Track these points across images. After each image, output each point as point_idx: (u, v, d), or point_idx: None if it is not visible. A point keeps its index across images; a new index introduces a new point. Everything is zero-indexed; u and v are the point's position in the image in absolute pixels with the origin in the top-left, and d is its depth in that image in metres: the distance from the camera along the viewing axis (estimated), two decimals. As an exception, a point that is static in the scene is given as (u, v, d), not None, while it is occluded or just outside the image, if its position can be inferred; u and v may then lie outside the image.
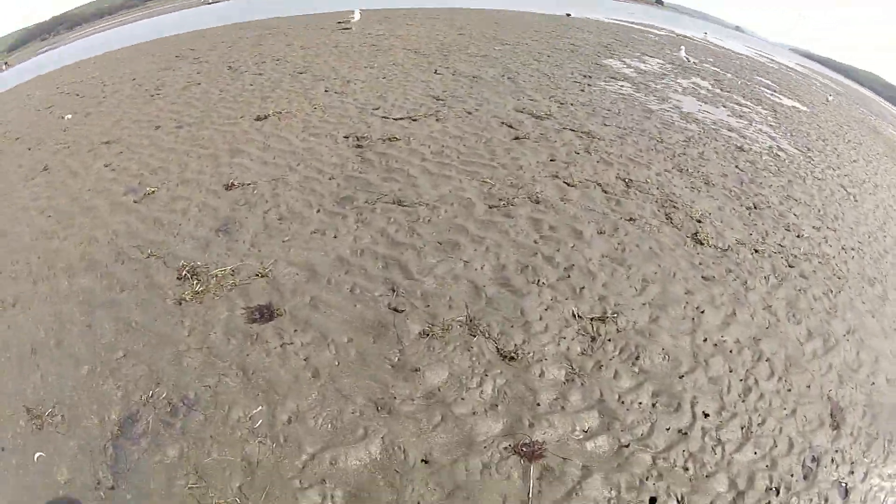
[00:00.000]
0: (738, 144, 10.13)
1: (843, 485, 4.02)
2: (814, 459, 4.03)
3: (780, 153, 10.91)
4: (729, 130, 10.92)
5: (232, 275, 4.47)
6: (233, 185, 5.76)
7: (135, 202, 5.98)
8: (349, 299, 4.25)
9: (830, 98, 23.07)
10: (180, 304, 4.31)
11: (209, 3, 41.71)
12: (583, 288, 4.64)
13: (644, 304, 4.65)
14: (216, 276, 4.45)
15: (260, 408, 3.44)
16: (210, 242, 4.93)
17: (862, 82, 66.04)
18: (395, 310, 4.14)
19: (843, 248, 7.37)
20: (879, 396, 4.85)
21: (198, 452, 3.27)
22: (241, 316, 4.09)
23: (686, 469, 3.52)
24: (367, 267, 4.60)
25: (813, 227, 7.69)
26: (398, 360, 3.75)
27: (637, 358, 4.12)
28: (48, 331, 4.37)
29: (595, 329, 4.24)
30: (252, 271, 4.50)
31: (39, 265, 5.28)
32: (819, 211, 8.30)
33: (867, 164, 13.54)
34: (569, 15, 25.96)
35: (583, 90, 11.41)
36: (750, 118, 12.96)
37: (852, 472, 4.04)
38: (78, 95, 11.64)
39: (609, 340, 4.17)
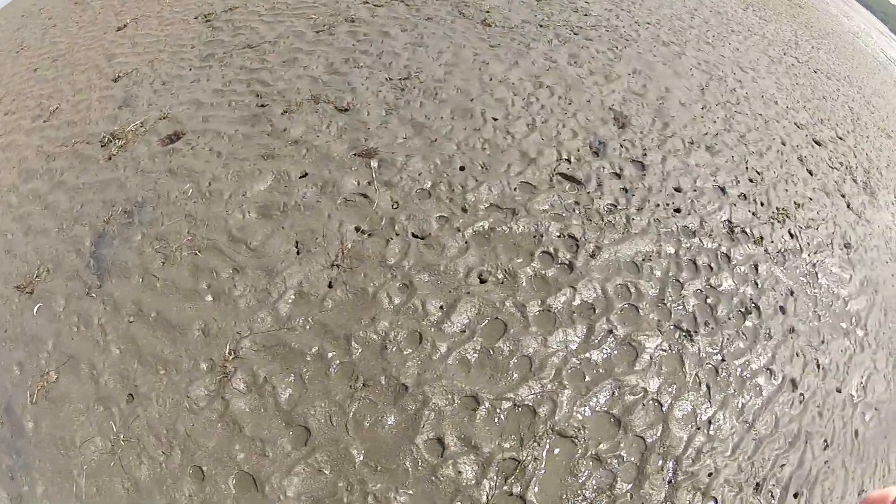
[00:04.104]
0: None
1: (639, 161, 5.74)
2: (601, 143, 5.81)
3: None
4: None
5: (142, 125, 5.78)
6: (119, 76, 6.85)
7: (45, 122, 6.93)
8: (229, 109, 5.67)
9: None
10: (110, 158, 5.65)
11: None
12: (391, 63, 6.25)
13: (440, 65, 6.34)
14: (130, 131, 5.74)
15: (188, 185, 5.19)
16: (117, 116, 6.15)
17: None
18: (262, 105, 5.63)
19: (635, 23, 9.20)
20: (669, 111, 6.56)
21: (154, 228, 4.63)
22: (158, 145, 5.56)
23: (483, 149, 5.37)
24: (236, 89, 5.96)
25: (604, 9, 9.56)
26: (270, 129, 5.30)
27: (436, 94, 5.92)
28: (14, 232, 5.18)
29: (402, 84, 6.04)
30: (155, 118, 5.79)
31: (-17, 199, 5.85)
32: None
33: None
34: None
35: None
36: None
37: (645, 155, 5.69)
38: (-61, 81, 11.80)
39: (414, 88, 5.92)
